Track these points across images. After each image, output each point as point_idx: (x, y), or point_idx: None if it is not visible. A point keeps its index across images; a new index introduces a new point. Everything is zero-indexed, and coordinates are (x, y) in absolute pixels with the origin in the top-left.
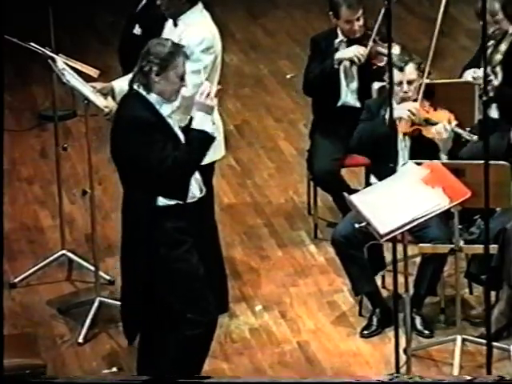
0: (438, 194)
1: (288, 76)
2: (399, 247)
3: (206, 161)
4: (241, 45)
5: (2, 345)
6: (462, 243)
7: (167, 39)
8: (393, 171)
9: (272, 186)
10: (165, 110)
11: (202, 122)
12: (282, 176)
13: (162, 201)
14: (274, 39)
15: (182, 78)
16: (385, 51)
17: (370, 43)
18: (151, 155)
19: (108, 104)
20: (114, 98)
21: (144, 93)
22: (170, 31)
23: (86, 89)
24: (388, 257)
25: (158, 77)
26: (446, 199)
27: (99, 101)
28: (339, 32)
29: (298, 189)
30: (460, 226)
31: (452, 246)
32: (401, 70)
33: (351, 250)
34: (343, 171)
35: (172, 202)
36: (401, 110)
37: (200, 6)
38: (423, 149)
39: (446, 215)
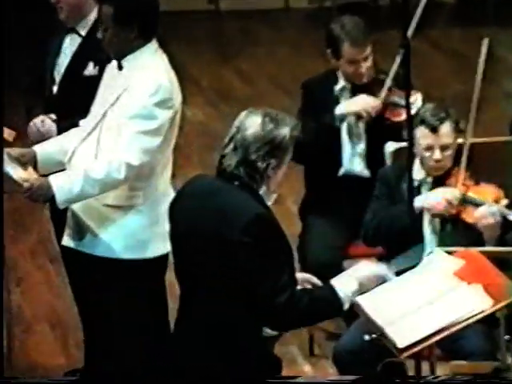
0: (476, 293)
1: None
2: (425, 366)
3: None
4: (208, 95)
5: (1, 344)
6: (511, 360)
7: (274, 112)
8: (415, 262)
9: None
10: (269, 201)
11: (349, 292)
12: None
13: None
14: (252, 86)
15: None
16: (403, 102)
17: (384, 92)
18: (267, 275)
19: (28, 177)
20: (35, 168)
21: (254, 185)
22: (111, 77)
23: None
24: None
25: (274, 171)
26: (488, 300)
27: (16, 173)
28: (340, 76)
29: None
30: (508, 337)
31: (497, 363)
32: (434, 130)
33: (358, 370)
34: (346, 262)
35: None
36: (434, 198)
37: (154, 43)
38: (460, 235)
39: (487, 322)
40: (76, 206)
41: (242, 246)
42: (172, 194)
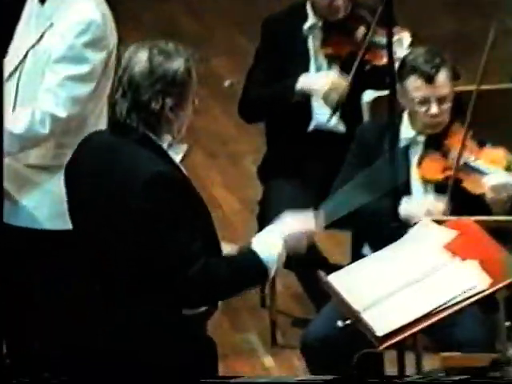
0: (471, 271)
1: (226, 83)
2: (409, 357)
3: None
4: (150, 33)
5: (1, 344)
6: None
7: (163, 44)
8: (398, 235)
9: None
10: (177, 155)
11: (274, 255)
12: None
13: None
14: (200, 22)
15: (193, 100)
16: (385, 41)
17: (361, 30)
18: (174, 244)
19: None
20: None
21: (153, 136)
22: (32, 11)
23: None
24: (391, 372)
25: (173, 112)
26: (486, 279)
27: None
28: (310, 10)
29: None
30: (508, 324)
31: (496, 355)
32: (429, 80)
33: (331, 362)
34: (317, 237)
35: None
36: (413, 209)
37: None
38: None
39: (484, 306)
40: None
41: (141, 213)
42: None
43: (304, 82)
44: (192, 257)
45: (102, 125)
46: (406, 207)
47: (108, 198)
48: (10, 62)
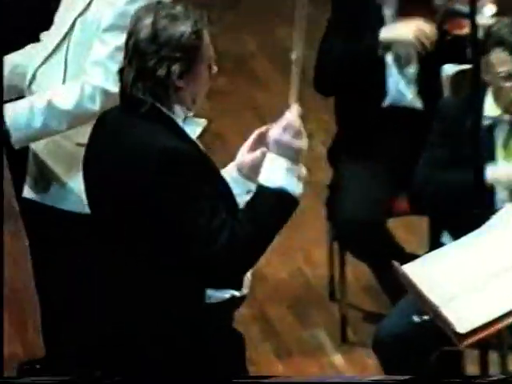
0: None
1: (293, 55)
2: (492, 356)
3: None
4: (210, 2)
5: (1, 344)
6: None
7: (170, 6)
8: (481, 221)
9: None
10: (194, 130)
11: (283, 174)
12: (284, 232)
13: (212, 293)
14: None
15: (210, 67)
16: (466, 10)
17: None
18: (194, 223)
19: None
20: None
21: (164, 108)
22: None
23: None
24: (472, 372)
25: (183, 80)
26: None
27: None
28: None
29: (312, 254)
30: None
31: None
32: None
33: (407, 361)
34: (391, 222)
35: (226, 295)
36: (502, 172)
37: None
38: None
39: None
40: (39, 147)
41: (155, 192)
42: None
43: (386, 30)
44: (218, 226)
45: None
46: (494, 170)
47: (121, 178)
48: (58, 31)
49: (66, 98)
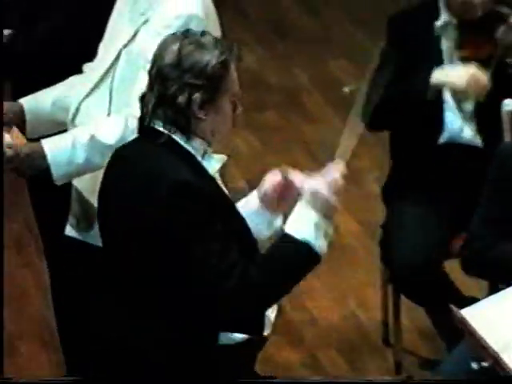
0: None
1: (346, 89)
2: None
3: None
4: (260, 33)
5: (1, 344)
6: None
7: (199, 35)
8: None
9: (318, 290)
10: (212, 165)
11: (311, 227)
12: (336, 273)
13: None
14: (317, 18)
15: (235, 104)
16: None
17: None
18: (202, 262)
19: (13, 142)
20: (23, 129)
21: (181, 140)
22: (123, 8)
23: None
24: None
25: (204, 110)
26: None
27: None
28: (443, 7)
29: (365, 297)
30: None
31: None
32: None
33: None
34: (448, 263)
35: (240, 336)
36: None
37: None
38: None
39: None
40: (81, 184)
41: (163, 226)
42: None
43: (439, 74)
44: (228, 266)
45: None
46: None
47: (131, 209)
48: (103, 62)
49: (109, 133)
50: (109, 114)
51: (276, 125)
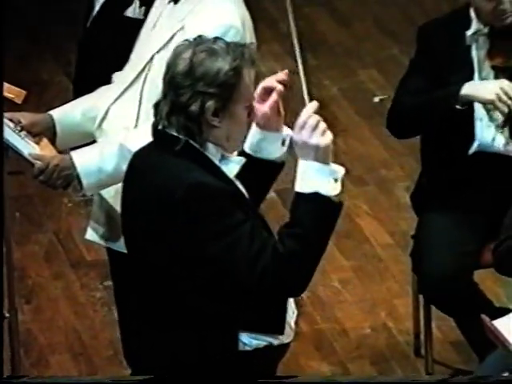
0: None
1: (376, 99)
2: None
3: None
4: (287, 42)
5: (1, 344)
6: None
7: (212, 42)
8: None
9: (349, 300)
10: (231, 169)
11: (314, 177)
12: (366, 284)
13: (248, 340)
14: (348, 30)
15: (250, 109)
16: None
17: None
18: (234, 253)
19: (43, 153)
20: (53, 140)
21: (196, 145)
22: (160, 15)
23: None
24: None
25: (218, 117)
26: None
27: (26, 148)
28: (473, 16)
29: (396, 308)
30: None
31: None
32: None
33: None
34: (479, 273)
35: (263, 342)
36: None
37: None
38: None
39: None
40: (108, 193)
41: (183, 228)
42: None
43: (469, 87)
44: (256, 253)
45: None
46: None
47: (152, 215)
48: (133, 69)
49: (137, 140)
50: (137, 118)
51: None
